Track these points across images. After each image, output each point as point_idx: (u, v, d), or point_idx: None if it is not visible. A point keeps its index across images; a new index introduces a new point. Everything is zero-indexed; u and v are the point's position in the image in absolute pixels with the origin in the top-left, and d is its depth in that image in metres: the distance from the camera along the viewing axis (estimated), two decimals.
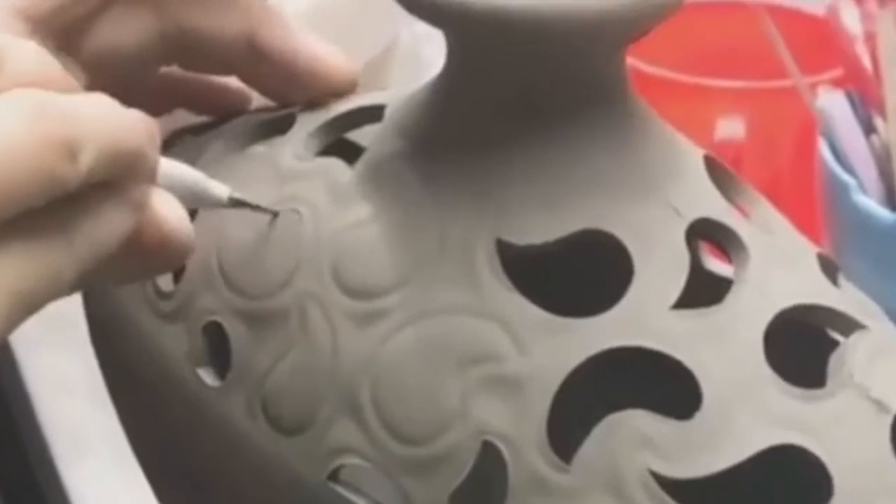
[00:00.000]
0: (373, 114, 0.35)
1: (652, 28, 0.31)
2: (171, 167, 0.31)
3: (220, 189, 0.32)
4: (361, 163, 0.33)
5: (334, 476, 0.32)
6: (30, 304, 0.25)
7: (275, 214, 0.34)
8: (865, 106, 0.57)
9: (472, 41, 0.32)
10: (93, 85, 0.36)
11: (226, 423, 0.33)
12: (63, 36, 0.36)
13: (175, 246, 0.29)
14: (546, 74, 0.31)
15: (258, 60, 0.37)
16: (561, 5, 0.30)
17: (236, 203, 0.33)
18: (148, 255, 0.29)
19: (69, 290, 0.27)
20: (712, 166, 0.33)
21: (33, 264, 0.25)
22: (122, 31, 0.36)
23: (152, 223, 0.28)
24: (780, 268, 0.32)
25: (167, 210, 0.29)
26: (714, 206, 0.32)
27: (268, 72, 0.37)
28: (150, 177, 0.28)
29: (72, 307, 0.38)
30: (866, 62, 0.58)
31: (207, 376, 0.34)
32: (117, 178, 0.27)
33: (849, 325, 0.32)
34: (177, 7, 0.37)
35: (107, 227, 0.27)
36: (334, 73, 0.37)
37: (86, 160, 0.25)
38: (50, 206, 0.25)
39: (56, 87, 0.26)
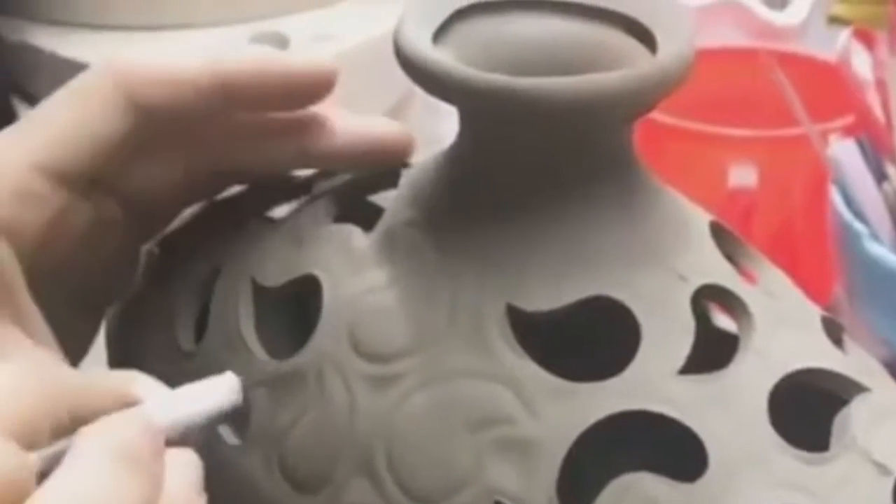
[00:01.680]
0: (388, 180, 0.36)
1: (658, 103, 0.32)
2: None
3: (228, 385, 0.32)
4: (377, 230, 0.34)
5: None
6: None
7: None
8: (877, 153, 0.58)
9: (481, 117, 0.32)
10: (127, 218, 0.37)
11: (244, 481, 0.34)
12: (91, 183, 0.35)
13: None
14: (555, 148, 0.32)
15: (313, 164, 0.38)
16: (568, 83, 0.31)
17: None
18: None
19: None
20: (718, 232, 0.34)
21: None
22: (154, 174, 0.36)
23: None
24: (785, 332, 0.33)
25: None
26: (719, 271, 0.33)
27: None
28: None
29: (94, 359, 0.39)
30: (877, 109, 0.58)
31: (227, 434, 0.35)
32: None
33: (852, 388, 0.32)
34: (213, 148, 0.37)
35: None
36: (390, 144, 0.37)
37: None
38: None
39: None
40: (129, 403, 0.30)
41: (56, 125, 0.35)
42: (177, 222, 0.39)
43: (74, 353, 0.36)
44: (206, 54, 0.35)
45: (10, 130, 0.35)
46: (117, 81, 0.35)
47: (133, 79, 0.35)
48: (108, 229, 0.36)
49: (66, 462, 0.28)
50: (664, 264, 0.33)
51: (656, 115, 0.61)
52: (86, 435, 0.28)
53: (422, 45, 0.32)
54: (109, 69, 0.35)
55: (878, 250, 0.55)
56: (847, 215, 0.56)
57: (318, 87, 0.36)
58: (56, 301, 0.35)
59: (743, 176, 0.60)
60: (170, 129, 0.36)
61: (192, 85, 0.35)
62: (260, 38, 0.68)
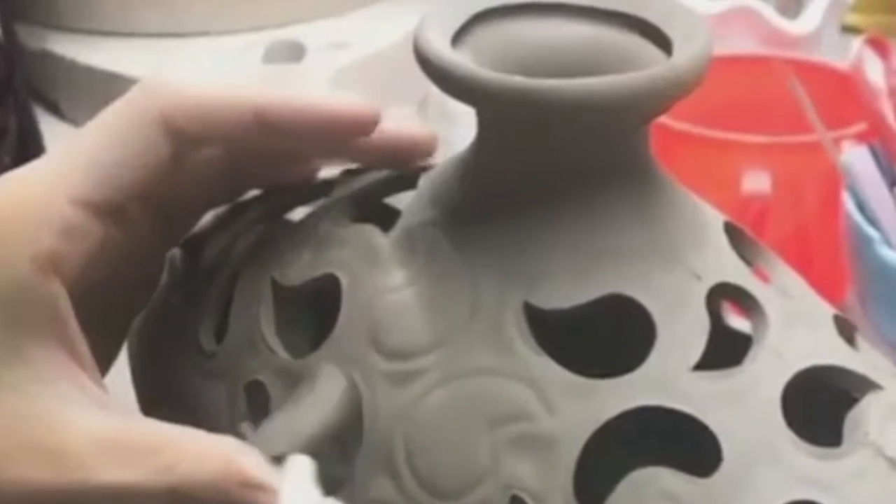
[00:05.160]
0: (407, 182, 0.36)
1: (675, 103, 0.32)
2: None
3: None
4: (397, 230, 0.35)
5: None
6: None
7: None
8: (889, 160, 0.58)
9: (502, 117, 0.33)
10: (158, 233, 0.37)
11: None
12: (129, 209, 0.35)
13: None
14: (574, 148, 0.33)
15: (342, 161, 0.39)
16: (584, 85, 0.31)
17: None
18: None
19: None
20: (732, 232, 0.35)
21: None
22: (187, 193, 0.37)
23: None
24: (798, 330, 0.33)
25: None
26: (733, 270, 0.34)
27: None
28: None
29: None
30: (890, 117, 0.59)
31: (248, 432, 0.35)
32: None
33: (864, 385, 0.33)
34: (246, 165, 0.38)
35: None
36: (417, 142, 0.38)
37: None
38: None
39: None
40: (239, 474, 0.32)
41: (95, 156, 0.34)
42: (199, 225, 0.40)
43: (100, 368, 0.36)
44: (249, 84, 0.35)
45: (49, 160, 0.34)
46: (157, 109, 0.34)
47: (172, 106, 0.34)
48: (140, 248, 0.36)
49: None
50: (679, 263, 0.33)
51: (671, 122, 0.61)
52: None
53: (441, 47, 0.32)
54: (148, 95, 0.34)
55: (890, 255, 0.55)
56: (860, 220, 0.57)
57: (357, 129, 0.36)
58: (83, 320, 0.34)
59: (757, 182, 0.60)
60: (205, 153, 0.36)
61: (232, 117, 0.34)
62: (276, 47, 0.69)
